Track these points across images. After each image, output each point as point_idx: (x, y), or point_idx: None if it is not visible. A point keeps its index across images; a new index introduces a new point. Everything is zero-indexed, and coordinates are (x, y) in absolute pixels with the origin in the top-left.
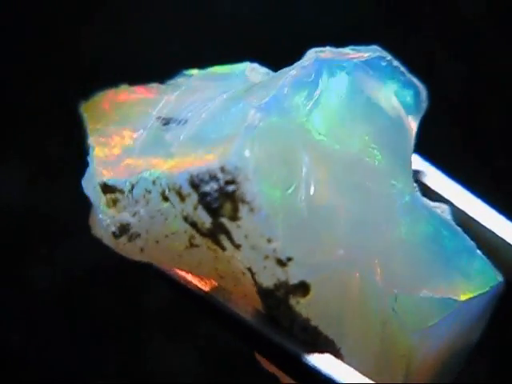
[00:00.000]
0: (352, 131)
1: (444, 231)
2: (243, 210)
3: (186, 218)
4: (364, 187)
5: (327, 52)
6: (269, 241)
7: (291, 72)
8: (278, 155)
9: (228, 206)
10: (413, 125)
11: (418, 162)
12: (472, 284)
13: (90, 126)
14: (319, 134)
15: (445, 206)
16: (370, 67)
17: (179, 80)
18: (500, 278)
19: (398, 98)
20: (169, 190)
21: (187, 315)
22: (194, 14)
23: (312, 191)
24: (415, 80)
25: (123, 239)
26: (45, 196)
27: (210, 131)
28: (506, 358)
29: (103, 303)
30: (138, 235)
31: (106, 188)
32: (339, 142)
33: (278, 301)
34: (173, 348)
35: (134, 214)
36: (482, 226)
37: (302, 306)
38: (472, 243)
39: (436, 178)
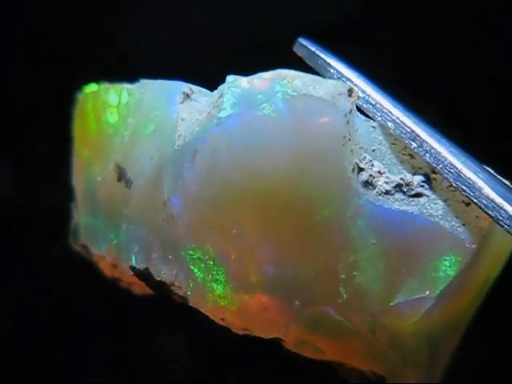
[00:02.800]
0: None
1: (400, 226)
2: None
3: None
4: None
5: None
6: (222, 319)
7: (194, 146)
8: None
9: (175, 297)
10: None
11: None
12: (444, 270)
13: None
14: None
15: (409, 177)
16: (274, 107)
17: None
18: (472, 245)
19: None
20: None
21: (181, 309)
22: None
23: None
24: (329, 87)
25: (123, 284)
26: (38, 191)
27: (143, 216)
28: (501, 357)
29: (95, 298)
30: (134, 283)
31: (88, 249)
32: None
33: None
34: (164, 340)
35: (120, 273)
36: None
37: (285, 346)
38: (433, 223)
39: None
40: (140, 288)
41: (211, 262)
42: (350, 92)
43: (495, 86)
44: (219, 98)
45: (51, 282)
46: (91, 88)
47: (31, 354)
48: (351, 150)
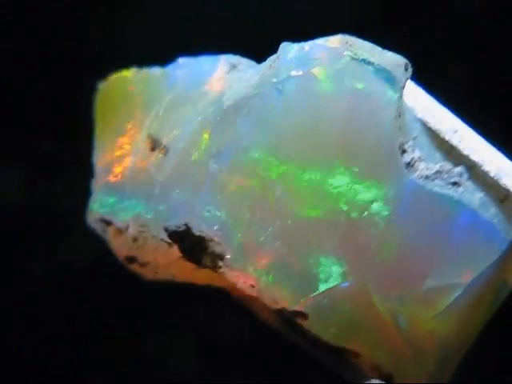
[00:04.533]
0: (318, 155)
1: (439, 210)
2: (220, 263)
3: (180, 256)
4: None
5: (296, 51)
6: (252, 286)
7: (250, 101)
8: (244, 205)
9: (207, 259)
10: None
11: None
12: (478, 259)
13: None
14: (280, 165)
15: (448, 165)
16: (334, 70)
17: (171, 74)
18: (510, 235)
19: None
20: (156, 236)
21: (185, 309)
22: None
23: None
24: (388, 59)
25: (135, 265)
26: (44, 194)
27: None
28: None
29: (102, 298)
30: (148, 263)
31: (107, 222)
32: (304, 166)
33: (287, 319)
34: (171, 341)
35: (138, 248)
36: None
37: (306, 325)
38: (472, 209)
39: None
40: (152, 271)
41: (253, 220)
42: (407, 66)
43: None
44: (276, 59)
45: (54, 283)
46: (118, 73)
47: (34, 355)
48: (399, 128)
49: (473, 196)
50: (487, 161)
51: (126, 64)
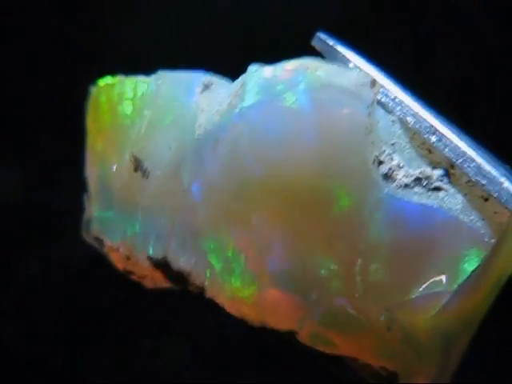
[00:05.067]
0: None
1: (420, 219)
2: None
3: None
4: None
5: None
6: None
7: (216, 135)
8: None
9: (191, 287)
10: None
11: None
12: (462, 265)
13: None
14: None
15: (428, 171)
16: (297, 94)
17: (154, 85)
18: (493, 238)
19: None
20: (142, 261)
21: (183, 310)
22: (191, 10)
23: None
24: (352, 78)
25: (134, 277)
26: (41, 192)
27: (161, 206)
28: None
29: (99, 298)
30: (146, 276)
31: (101, 241)
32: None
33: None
34: (168, 342)
35: (133, 264)
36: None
37: (299, 339)
38: (453, 217)
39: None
40: (151, 281)
41: (229, 253)
42: (373, 83)
43: None
44: (241, 87)
45: (51, 283)
46: (106, 80)
47: (33, 355)
48: (372, 142)
49: (454, 200)
50: (468, 159)
51: (117, 67)
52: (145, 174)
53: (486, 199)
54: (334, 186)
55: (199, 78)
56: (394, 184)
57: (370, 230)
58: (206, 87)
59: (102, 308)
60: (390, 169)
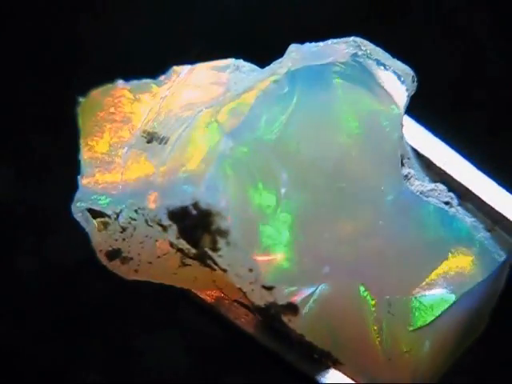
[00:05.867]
0: (329, 140)
1: (435, 220)
2: (221, 242)
3: (171, 245)
4: (347, 196)
5: (304, 52)
6: (250, 270)
7: (265, 85)
8: (252, 182)
9: (207, 239)
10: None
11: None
12: (469, 275)
13: (82, 134)
14: (295, 146)
15: (442, 187)
16: (347, 68)
17: (167, 79)
18: (501, 258)
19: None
20: (151, 220)
21: (174, 308)
22: (183, 9)
23: (293, 211)
24: (398, 66)
25: (116, 262)
26: (32, 190)
27: (186, 155)
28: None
29: (90, 296)
30: (131, 258)
31: (94, 213)
32: (317, 152)
33: (271, 317)
34: (159, 341)
35: (124, 239)
36: (483, 200)
37: (294, 323)
38: (467, 226)
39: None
40: (132, 269)
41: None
42: (414, 78)
43: None
44: (286, 56)
45: (42, 281)
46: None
47: (28, 352)
48: (401, 137)
49: (464, 218)
50: (477, 189)
51: (124, 75)
52: (162, 140)
53: (489, 231)
54: (364, 168)
55: (227, 60)
56: (412, 188)
57: (386, 222)
58: (237, 68)
59: (93, 307)
60: (409, 173)
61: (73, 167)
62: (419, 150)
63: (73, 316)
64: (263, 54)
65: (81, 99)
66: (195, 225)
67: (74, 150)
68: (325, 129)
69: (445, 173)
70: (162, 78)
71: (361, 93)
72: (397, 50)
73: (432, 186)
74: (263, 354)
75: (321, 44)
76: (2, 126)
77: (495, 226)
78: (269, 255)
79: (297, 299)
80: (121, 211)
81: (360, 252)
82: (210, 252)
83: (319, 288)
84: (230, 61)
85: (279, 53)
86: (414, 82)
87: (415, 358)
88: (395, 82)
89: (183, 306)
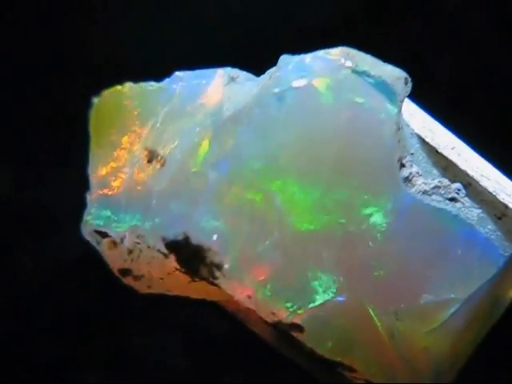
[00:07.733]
0: (321, 153)
1: (437, 224)
2: (218, 273)
3: (176, 268)
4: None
5: (293, 67)
6: (249, 297)
7: (251, 111)
8: (243, 214)
9: (204, 270)
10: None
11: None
12: (474, 274)
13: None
14: (279, 177)
15: (446, 182)
16: (336, 83)
17: (168, 87)
18: (507, 252)
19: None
20: (152, 247)
21: (173, 306)
22: (183, 13)
23: (287, 238)
24: (388, 72)
25: (129, 279)
26: (32, 190)
27: (180, 187)
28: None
29: (90, 296)
30: (142, 276)
31: (102, 234)
32: (310, 165)
33: (282, 331)
34: (158, 339)
35: (132, 261)
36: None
37: (301, 338)
38: (470, 225)
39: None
40: (145, 284)
41: (252, 231)
42: (406, 80)
43: None
44: (277, 70)
45: (42, 280)
46: (115, 88)
47: (26, 352)
48: (399, 141)
49: (470, 212)
50: (485, 177)
51: (121, 76)
52: (160, 161)
53: (500, 218)
54: (358, 174)
55: (224, 70)
56: (414, 189)
57: (388, 228)
58: (232, 79)
59: (92, 306)
60: (410, 173)
61: (73, 167)
62: (426, 139)
63: (73, 316)
64: (259, 58)
65: (95, 100)
66: (190, 257)
67: (74, 150)
68: (315, 142)
69: (452, 162)
70: (167, 81)
71: (351, 102)
72: (395, 50)
73: (436, 182)
74: (263, 354)
75: (311, 55)
76: (2, 125)
77: (507, 210)
78: (264, 280)
79: (301, 317)
80: (124, 237)
81: (364, 265)
82: (210, 279)
83: (323, 302)
84: (224, 71)
85: (278, 53)
86: (407, 83)
87: (434, 357)
88: (385, 89)
89: (183, 306)
